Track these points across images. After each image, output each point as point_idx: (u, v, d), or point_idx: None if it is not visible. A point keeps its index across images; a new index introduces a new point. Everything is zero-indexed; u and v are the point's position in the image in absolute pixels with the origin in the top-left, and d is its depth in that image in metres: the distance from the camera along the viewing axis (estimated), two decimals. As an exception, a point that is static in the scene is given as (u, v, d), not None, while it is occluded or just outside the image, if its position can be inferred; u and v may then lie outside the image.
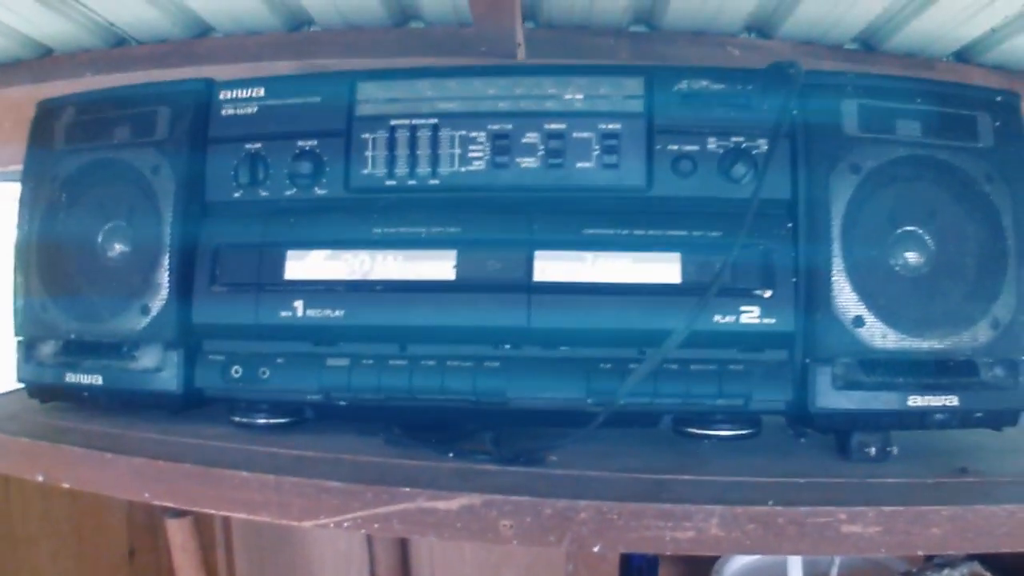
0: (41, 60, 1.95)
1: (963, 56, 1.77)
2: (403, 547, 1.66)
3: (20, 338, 1.11)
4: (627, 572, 1.36)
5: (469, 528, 0.80)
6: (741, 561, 1.42)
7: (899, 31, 1.66)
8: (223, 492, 0.87)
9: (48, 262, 1.08)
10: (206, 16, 1.79)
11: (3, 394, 1.23)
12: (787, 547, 0.79)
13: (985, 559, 1.36)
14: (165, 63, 1.87)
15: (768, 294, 0.91)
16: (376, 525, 0.81)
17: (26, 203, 1.12)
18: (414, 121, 0.97)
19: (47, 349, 1.09)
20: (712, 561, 1.43)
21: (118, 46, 1.91)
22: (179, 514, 1.39)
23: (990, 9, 1.50)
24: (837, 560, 1.36)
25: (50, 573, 1.28)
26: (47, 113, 1.14)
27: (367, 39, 1.82)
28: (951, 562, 1.35)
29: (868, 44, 1.76)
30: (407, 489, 0.80)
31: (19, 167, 1.96)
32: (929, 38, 1.69)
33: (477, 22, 1.47)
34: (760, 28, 1.75)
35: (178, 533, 1.39)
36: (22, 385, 1.13)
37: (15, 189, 1.18)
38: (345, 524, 0.81)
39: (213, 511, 0.86)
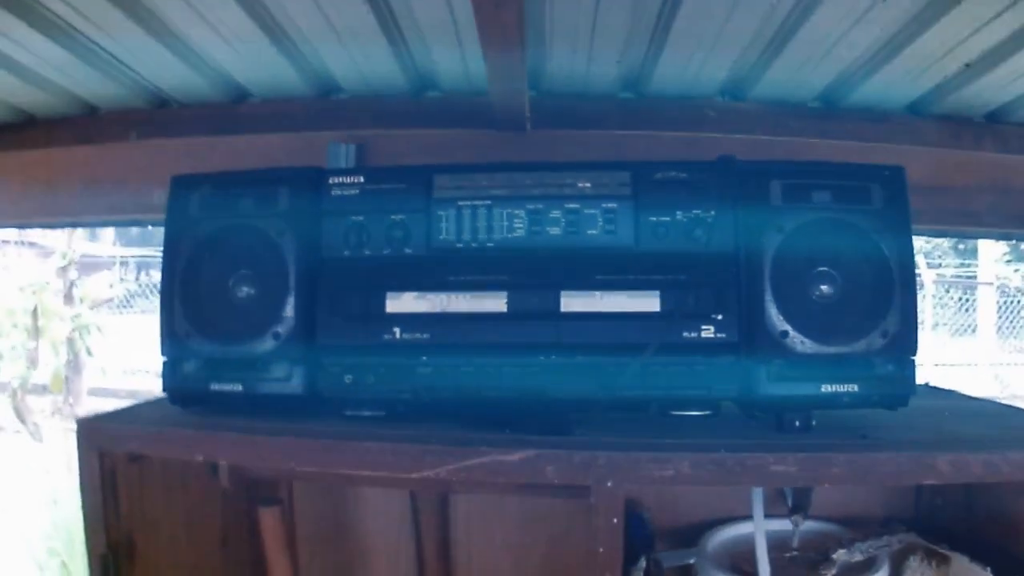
0: (86, 119, 2.43)
1: (914, 109, 2.26)
2: (445, 539, 2.14)
3: (166, 358, 1.61)
4: (627, 546, 1.90)
5: (526, 472, 1.34)
6: (723, 535, 1.92)
7: (856, 89, 2.15)
8: (352, 457, 1.40)
9: (190, 301, 1.58)
10: (244, 83, 2.25)
11: (142, 403, 1.75)
12: (733, 480, 1.33)
13: (921, 529, 1.83)
14: (209, 128, 2.36)
15: (720, 317, 1.46)
16: (464, 474, 1.34)
17: (168, 256, 1.61)
18: (475, 202, 1.53)
19: (191, 366, 1.59)
20: (699, 533, 1.93)
21: (160, 107, 2.37)
22: (270, 503, 1.89)
23: (934, 68, 1.99)
24: (798, 531, 1.86)
25: (167, 552, 1.71)
26: (182, 186, 1.63)
27: (390, 109, 2.30)
28: (891, 530, 1.81)
29: (829, 101, 2.25)
30: (484, 448, 1.35)
31: (91, 216, 2.50)
32: (883, 94, 2.18)
33: (493, 95, 1.96)
34: (733, 91, 2.24)
35: (269, 519, 1.88)
36: (164, 395, 1.63)
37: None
38: (442, 474, 1.35)
39: (348, 471, 1.43)
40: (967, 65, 2.00)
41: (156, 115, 2.43)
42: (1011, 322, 11.98)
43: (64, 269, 7.45)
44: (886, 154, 2.22)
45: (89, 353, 7.52)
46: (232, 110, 2.40)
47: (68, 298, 7.45)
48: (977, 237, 2.67)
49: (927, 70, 2.04)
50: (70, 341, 7.30)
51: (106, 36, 1.96)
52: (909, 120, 2.33)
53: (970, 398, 1.95)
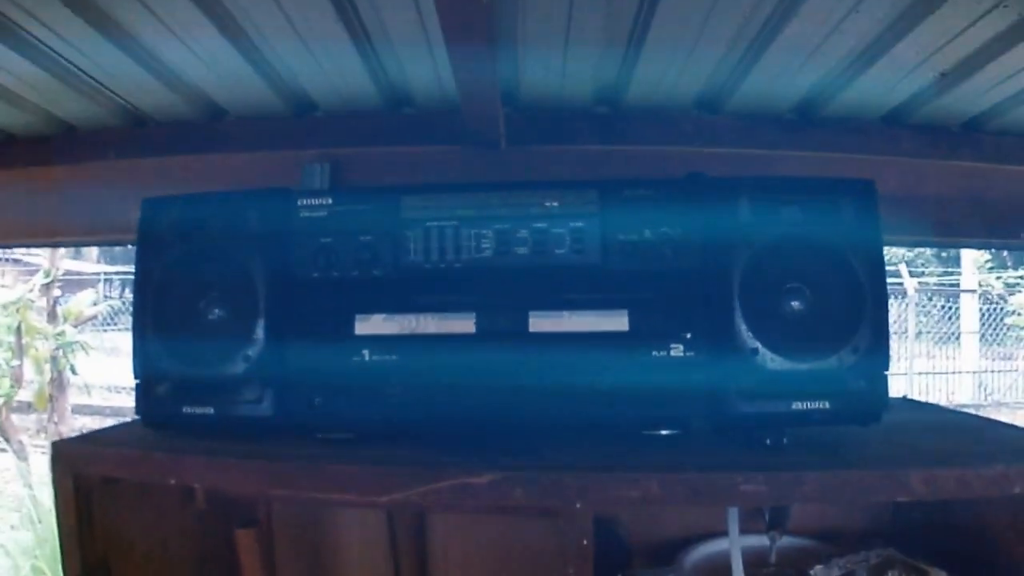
0: (65, 137, 2.42)
1: (891, 119, 2.26)
2: (423, 558, 2.13)
3: (138, 381, 1.60)
4: (604, 564, 1.90)
5: (495, 494, 1.33)
6: (700, 552, 1.91)
7: (832, 100, 2.15)
8: (321, 481, 1.40)
9: (162, 324, 1.57)
10: (220, 101, 2.24)
11: (117, 426, 1.75)
12: (702, 500, 1.35)
13: (900, 543, 1.82)
14: (186, 147, 2.36)
15: (689, 335, 1.46)
16: (432, 497, 1.34)
17: (140, 279, 1.61)
18: (443, 223, 1.52)
19: (163, 389, 1.58)
20: (675, 551, 1.93)
21: (138, 126, 2.37)
22: (247, 524, 1.89)
23: (910, 78, 2.00)
24: (776, 547, 1.86)
25: (143, 572, 1.71)
26: (154, 209, 1.63)
27: (365, 126, 2.30)
28: (869, 545, 1.80)
29: (805, 113, 2.25)
30: (452, 470, 1.34)
31: (69, 236, 2.49)
32: (858, 105, 2.18)
33: (465, 111, 1.95)
34: (708, 105, 2.24)
35: (246, 540, 1.88)
36: (137, 417, 1.63)
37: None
38: (411, 497, 1.35)
39: (319, 494, 1.43)
40: (942, 74, 2.00)
41: (134, 134, 2.43)
42: (994, 329, 12.04)
43: (48, 287, 7.40)
44: (862, 165, 2.27)
45: (73, 371, 7.46)
46: (209, 129, 2.40)
47: (52, 316, 7.40)
48: (954, 247, 2.67)
49: (903, 80, 2.04)
50: (54, 359, 7.25)
51: (82, 56, 1.96)
52: (885, 130, 2.33)
53: (948, 411, 1.95)
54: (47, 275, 7.21)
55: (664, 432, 1.54)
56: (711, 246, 1.50)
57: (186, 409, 1.58)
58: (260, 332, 1.55)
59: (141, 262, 1.63)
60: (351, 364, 1.52)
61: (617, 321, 1.49)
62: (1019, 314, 9.14)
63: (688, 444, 1.53)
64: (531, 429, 1.55)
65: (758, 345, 1.47)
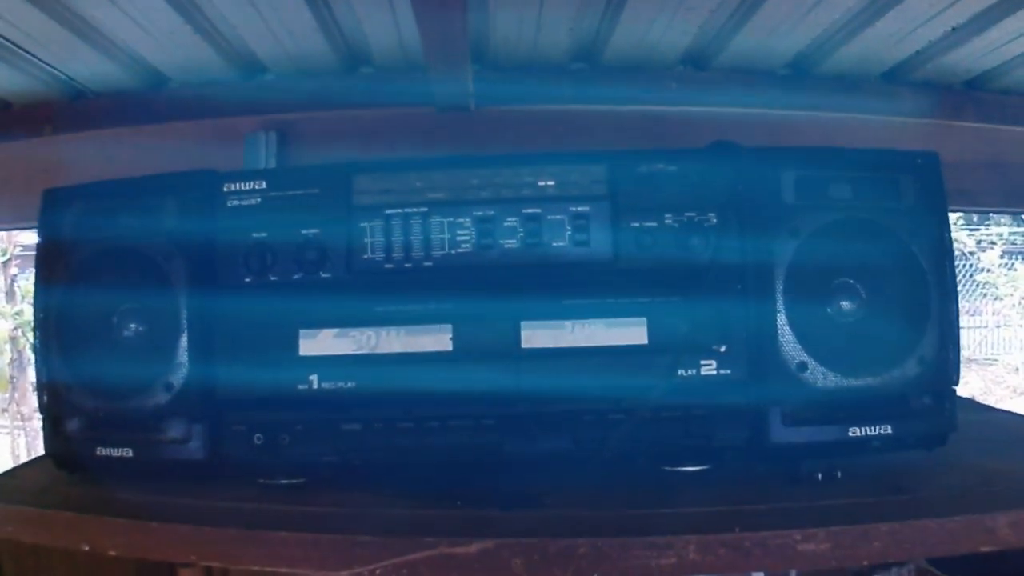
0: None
1: (891, 76, 1.99)
2: None
3: (44, 415, 1.23)
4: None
5: (487, 568, 0.97)
6: None
7: (830, 57, 1.87)
8: (266, 551, 1.03)
9: (68, 344, 1.20)
10: (162, 68, 1.92)
11: (25, 464, 1.38)
12: (753, 565, 0.98)
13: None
14: (128, 119, 2.00)
15: (723, 348, 1.11)
16: (405, 571, 0.98)
17: (41, 288, 1.24)
18: (407, 210, 1.15)
19: (73, 425, 1.22)
20: None
21: (76, 99, 2.04)
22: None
23: (918, 32, 1.72)
24: None
25: None
26: (55, 202, 1.25)
27: (319, 88, 1.96)
28: (899, 560, 1.58)
29: (800, 69, 1.96)
30: (430, 539, 0.98)
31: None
32: (858, 61, 1.90)
33: (431, 68, 1.65)
34: (695, 60, 1.94)
35: None
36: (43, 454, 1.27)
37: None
38: (378, 572, 0.98)
39: (258, 567, 1.03)
40: (953, 29, 1.73)
41: (71, 107, 2.08)
42: (962, 285, 11.82)
43: (4, 265, 6.87)
44: (863, 125, 2.03)
45: (33, 350, 6.95)
46: (150, 98, 2.05)
47: (10, 295, 6.88)
48: (972, 212, 2.40)
49: (911, 34, 1.76)
50: (13, 339, 6.74)
51: (9, 26, 1.65)
52: (886, 88, 2.04)
53: (1012, 415, 1.64)
54: (3, 253, 6.68)
55: (691, 468, 1.18)
56: (748, 235, 1.14)
57: (100, 451, 1.20)
58: (183, 354, 1.17)
59: (42, 267, 1.25)
60: (296, 393, 1.14)
61: (633, 332, 1.12)
62: (989, 271, 8.84)
63: (720, 483, 1.17)
64: (525, 470, 1.18)
65: (807, 358, 1.11)
